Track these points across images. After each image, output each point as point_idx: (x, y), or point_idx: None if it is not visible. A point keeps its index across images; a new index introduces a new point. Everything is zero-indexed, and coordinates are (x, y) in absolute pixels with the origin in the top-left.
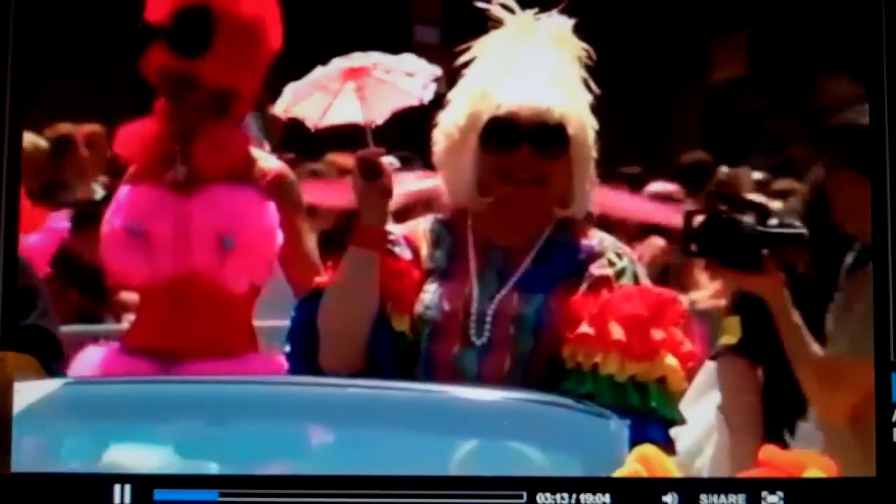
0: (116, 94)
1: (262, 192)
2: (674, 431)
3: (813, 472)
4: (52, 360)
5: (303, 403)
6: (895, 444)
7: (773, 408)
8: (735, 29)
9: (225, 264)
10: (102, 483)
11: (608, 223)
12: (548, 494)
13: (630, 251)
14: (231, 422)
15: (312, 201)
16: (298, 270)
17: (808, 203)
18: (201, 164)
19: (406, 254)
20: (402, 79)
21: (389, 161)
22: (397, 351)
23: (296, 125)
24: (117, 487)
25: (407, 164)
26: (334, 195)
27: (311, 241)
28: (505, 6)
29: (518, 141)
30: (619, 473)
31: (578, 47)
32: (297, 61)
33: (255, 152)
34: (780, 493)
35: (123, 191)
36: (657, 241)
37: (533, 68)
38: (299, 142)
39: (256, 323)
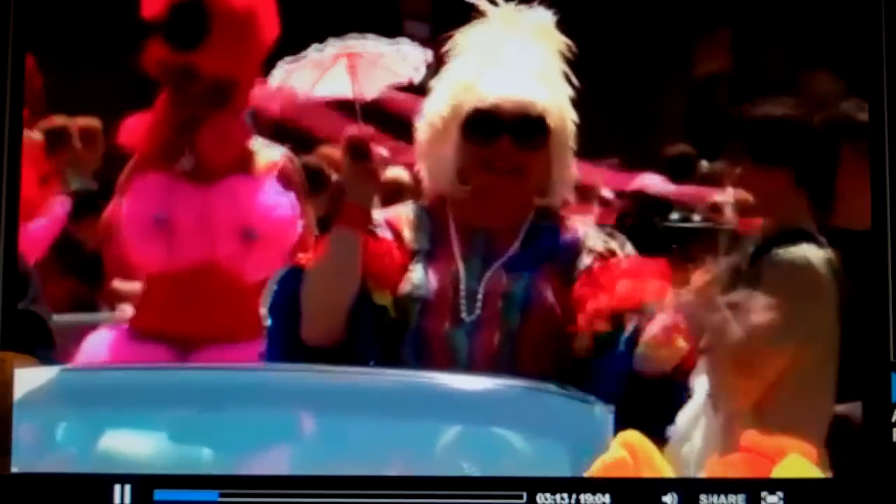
0: (111, 88)
1: (278, 183)
2: None
3: (794, 457)
4: (42, 346)
5: (293, 390)
6: (895, 444)
7: None
8: (718, 24)
9: (248, 255)
10: (102, 483)
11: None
12: (548, 495)
13: (613, 231)
14: (224, 408)
15: None
16: None
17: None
18: (205, 154)
19: (388, 236)
20: (393, 61)
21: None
22: (378, 325)
23: (287, 118)
24: (117, 488)
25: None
26: None
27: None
28: None
29: (499, 132)
30: (603, 458)
31: (560, 41)
32: (287, 54)
33: (254, 142)
34: (780, 494)
35: (137, 179)
36: None
37: (515, 61)
38: (291, 134)
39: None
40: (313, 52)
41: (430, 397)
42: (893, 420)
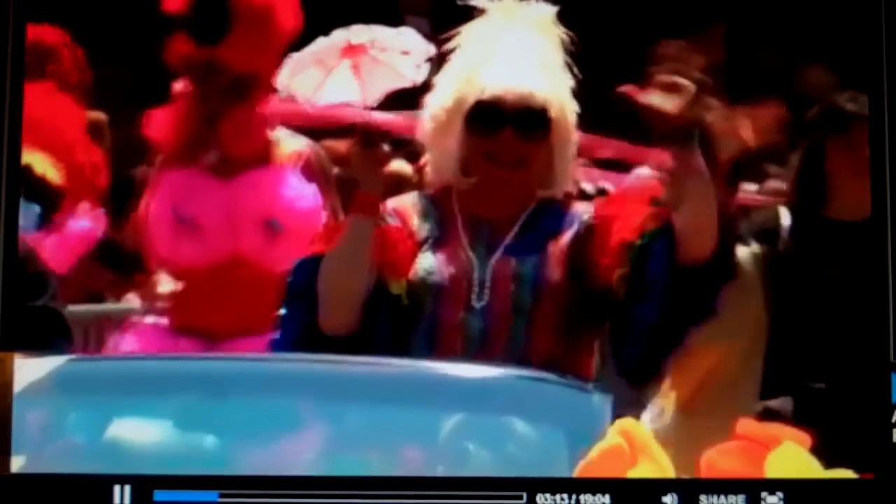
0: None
1: (303, 174)
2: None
3: (788, 445)
4: (60, 338)
5: (297, 378)
6: (895, 444)
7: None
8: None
9: (272, 247)
10: (102, 483)
11: None
12: (547, 495)
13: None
14: (228, 396)
15: None
16: None
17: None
18: (228, 147)
19: (396, 224)
20: (397, 58)
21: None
22: (394, 313)
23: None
24: (117, 488)
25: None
26: None
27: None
28: None
29: (501, 124)
30: (600, 445)
31: (560, 33)
32: (292, 49)
33: (278, 133)
34: (780, 494)
35: (162, 176)
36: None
37: (517, 54)
38: (295, 128)
39: None
40: (318, 45)
41: (431, 386)
42: (893, 420)
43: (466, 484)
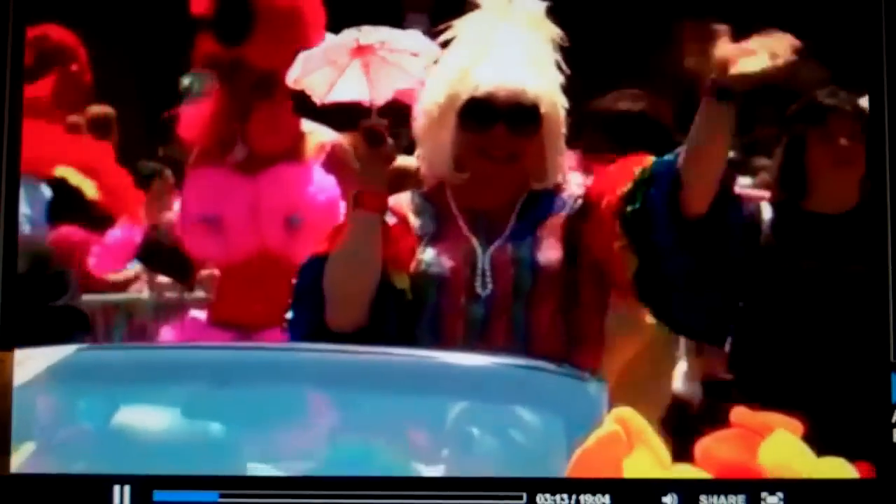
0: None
1: (323, 166)
2: None
3: (781, 433)
4: (82, 332)
5: (302, 367)
6: (895, 444)
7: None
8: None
9: (294, 242)
10: (102, 484)
11: None
12: (547, 495)
13: None
14: (234, 385)
15: None
16: None
17: (777, 180)
18: (256, 143)
19: (395, 221)
20: (406, 59)
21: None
22: (399, 307)
23: (300, 106)
24: (117, 488)
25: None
26: None
27: None
28: None
29: (494, 120)
30: (597, 433)
31: (551, 29)
32: None
33: (307, 126)
34: (780, 494)
35: (190, 176)
36: None
37: (508, 50)
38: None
39: None
40: (328, 44)
41: (432, 375)
42: (893, 420)
43: (466, 484)
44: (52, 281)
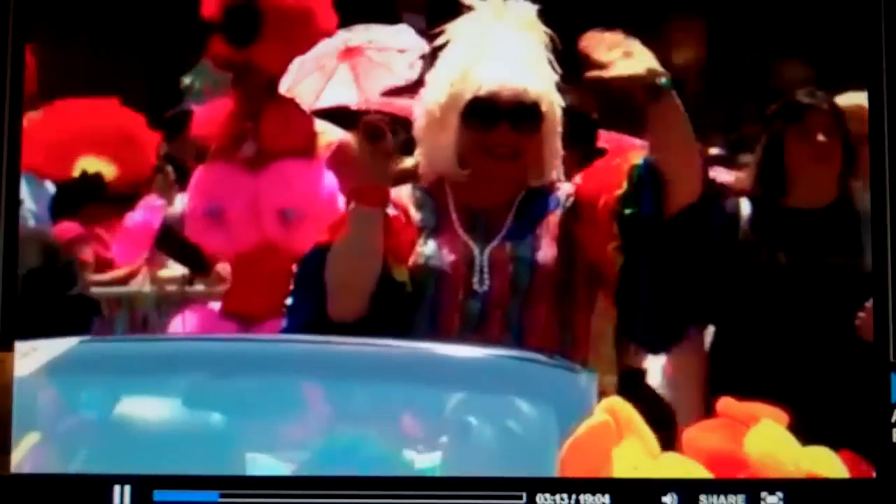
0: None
1: (328, 163)
2: None
3: (766, 423)
4: (95, 317)
5: (301, 359)
6: (895, 444)
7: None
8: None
9: (290, 234)
10: (102, 484)
11: None
12: (547, 495)
13: None
14: (234, 375)
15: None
16: None
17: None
18: (268, 142)
19: (395, 214)
20: (393, 57)
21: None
22: (398, 299)
23: None
24: (117, 488)
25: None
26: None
27: None
28: None
29: (497, 119)
30: (588, 423)
31: (543, 31)
32: None
33: (320, 125)
34: (780, 494)
35: (199, 171)
36: None
37: (507, 50)
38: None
39: None
40: (319, 49)
41: (432, 366)
42: (893, 420)
43: (466, 484)
44: (64, 272)
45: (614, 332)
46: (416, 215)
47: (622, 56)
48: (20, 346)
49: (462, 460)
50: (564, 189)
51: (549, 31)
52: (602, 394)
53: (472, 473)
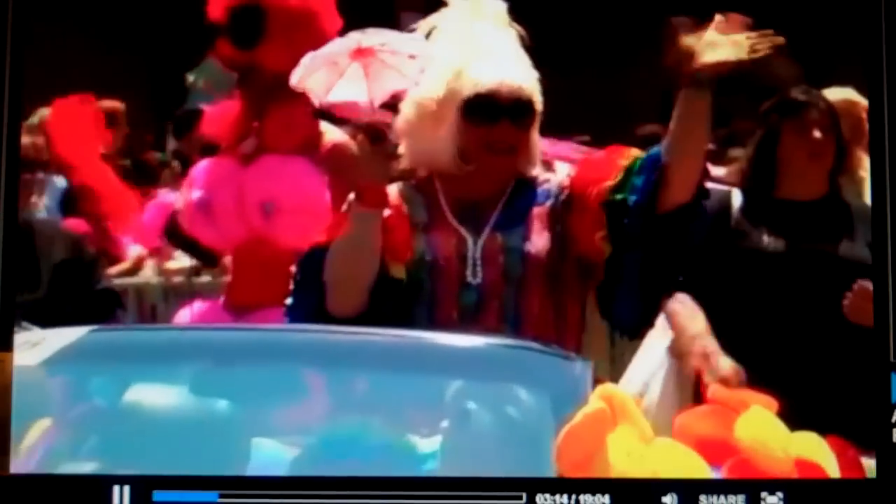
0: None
1: (315, 161)
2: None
3: (756, 409)
4: (120, 310)
5: (302, 347)
6: (895, 444)
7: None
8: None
9: (273, 227)
10: (101, 484)
11: None
12: (547, 495)
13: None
14: (238, 364)
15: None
16: None
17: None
18: (270, 140)
19: (389, 213)
20: (403, 62)
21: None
22: (396, 294)
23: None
24: (116, 489)
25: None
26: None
27: None
28: None
29: (498, 115)
30: (584, 410)
31: (517, 27)
32: None
33: (324, 126)
34: (780, 494)
35: (198, 165)
36: None
37: (497, 48)
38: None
39: None
40: (332, 47)
41: (430, 354)
42: (893, 420)
43: (466, 484)
44: (90, 266)
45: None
46: (407, 212)
47: (714, 44)
48: (31, 336)
49: (462, 445)
50: (557, 180)
51: (519, 28)
52: (596, 381)
53: (471, 458)
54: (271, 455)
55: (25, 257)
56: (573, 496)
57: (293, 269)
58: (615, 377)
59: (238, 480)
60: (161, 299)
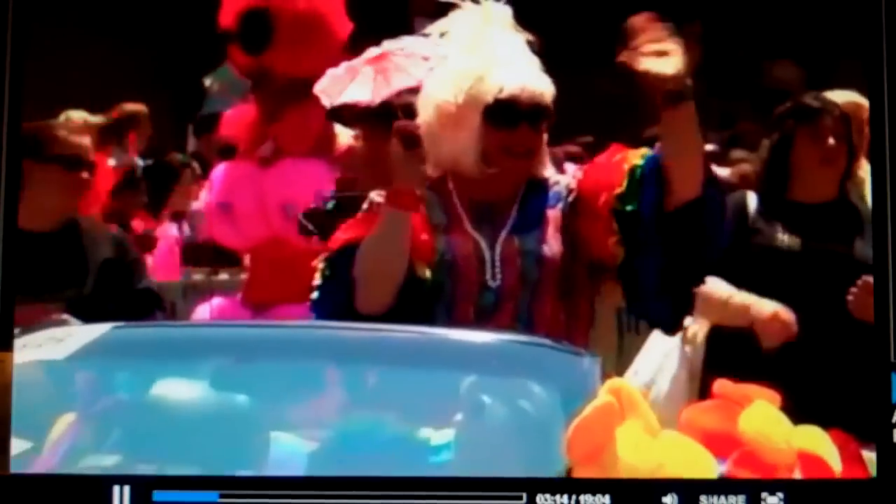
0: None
1: (331, 163)
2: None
3: (759, 403)
4: (158, 310)
5: (320, 344)
6: (895, 444)
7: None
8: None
9: (293, 228)
10: (101, 484)
11: None
12: (547, 495)
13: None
14: (257, 360)
15: None
16: None
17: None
18: (285, 143)
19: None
20: (415, 63)
21: None
22: (421, 294)
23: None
24: (116, 489)
25: None
26: None
27: None
28: None
29: (518, 120)
30: (593, 404)
31: (523, 33)
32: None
33: (337, 128)
34: (780, 494)
35: (218, 168)
36: None
37: (514, 53)
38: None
39: None
40: (362, 56)
41: (446, 351)
42: (893, 420)
43: (467, 484)
44: (132, 266)
45: (616, 317)
46: (426, 214)
47: (656, 53)
48: (56, 332)
49: (476, 437)
50: (565, 183)
51: (527, 33)
52: (605, 376)
53: (485, 450)
54: (289, 449)
55: (73, 254)
56: (573, 496)
57: (319, 265)
58: (622, 372)
59: (238, 480)
60: (180, 296)
